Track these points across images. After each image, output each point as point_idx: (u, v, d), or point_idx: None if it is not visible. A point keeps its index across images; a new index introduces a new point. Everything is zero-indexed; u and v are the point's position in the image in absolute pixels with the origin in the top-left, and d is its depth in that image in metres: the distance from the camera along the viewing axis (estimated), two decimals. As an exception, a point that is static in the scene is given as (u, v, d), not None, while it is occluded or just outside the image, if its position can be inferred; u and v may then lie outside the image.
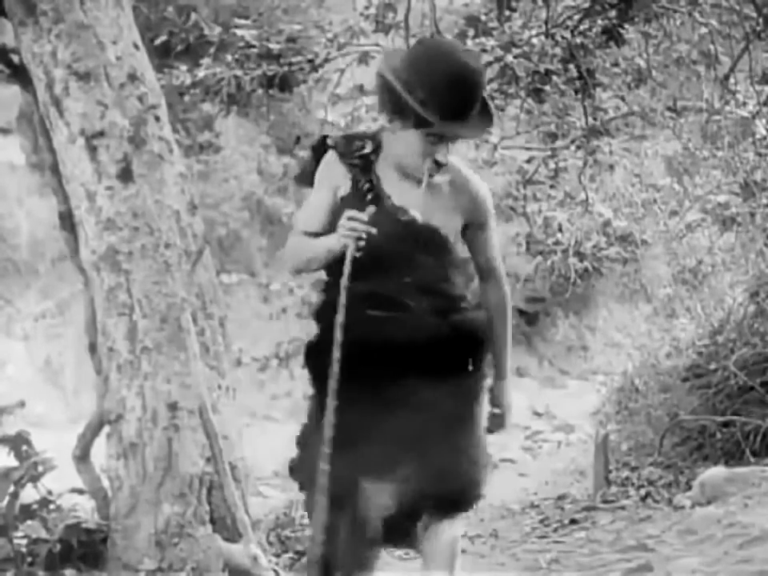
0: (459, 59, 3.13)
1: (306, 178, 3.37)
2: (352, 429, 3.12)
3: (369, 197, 3.19)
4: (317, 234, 3.27)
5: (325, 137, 3.32)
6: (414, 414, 3.12)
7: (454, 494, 3.14)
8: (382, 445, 3.10)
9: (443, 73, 3.09)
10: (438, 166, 3.17)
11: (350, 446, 3.11)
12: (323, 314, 3.24)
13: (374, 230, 3.08)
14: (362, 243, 3.09)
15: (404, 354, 3.13)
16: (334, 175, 3.26)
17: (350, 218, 3.10)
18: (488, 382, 3.35)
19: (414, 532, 3.16)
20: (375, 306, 3.16)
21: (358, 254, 3.10)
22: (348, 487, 3.09)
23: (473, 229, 3.29)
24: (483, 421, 3.31)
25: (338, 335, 3.08)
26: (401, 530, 3.15)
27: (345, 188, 3.25)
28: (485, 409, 3.33)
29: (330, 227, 3.22)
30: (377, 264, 3.15)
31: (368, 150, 3.23)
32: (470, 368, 3.25)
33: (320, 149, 3.31)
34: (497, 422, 3.39)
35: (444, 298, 3.21)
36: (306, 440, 3.28)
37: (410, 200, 3.19)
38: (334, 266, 3.20)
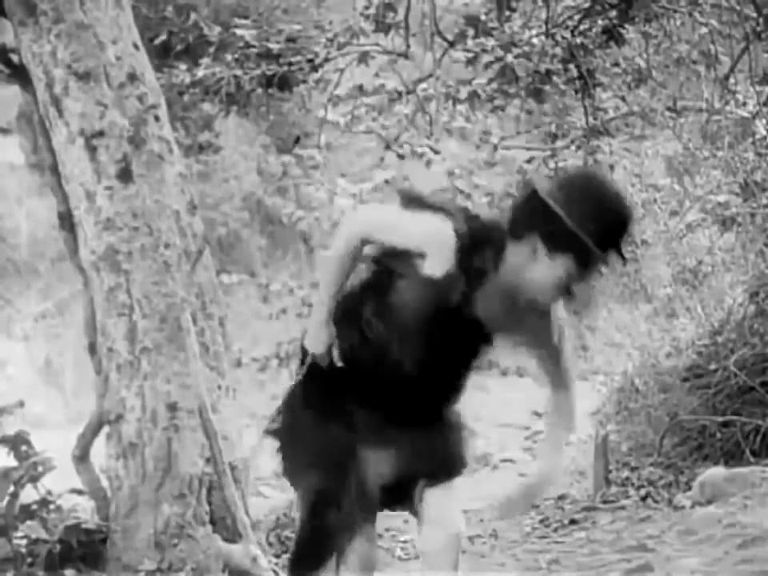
0: (621, 194, 3.06)
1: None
2: (346, 394, 3.18)
3: (453, 302, 3.05)
4: (378, 262, 3.16)
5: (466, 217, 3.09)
6: (407, 380, 3.17)
7: (448, 459, 3.23)
8: (378, 411, 3.15)
9: (621, 216, 3.02)
10: (569, 299, 3.08)
11: (348, 414, 3.17)
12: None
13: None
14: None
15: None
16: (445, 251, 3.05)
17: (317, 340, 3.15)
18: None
19: (411, 496, 3.21)
20: (381, 364, 3.15)
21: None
22: (344, 452, 3.14)
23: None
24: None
25: None
26: (399, 494, 3.21)
27: (439, 268, 3.04)
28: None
29: (391, 272, 3.14)
30: (406, 346, 3.12)
31: (487, 264, 3.05)
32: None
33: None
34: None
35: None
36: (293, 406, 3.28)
37: (498, 323, 3.14)
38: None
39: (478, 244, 3.04)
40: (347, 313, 3.15)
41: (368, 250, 3.12)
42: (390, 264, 3.10)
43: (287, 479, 3.30)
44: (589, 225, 2.95)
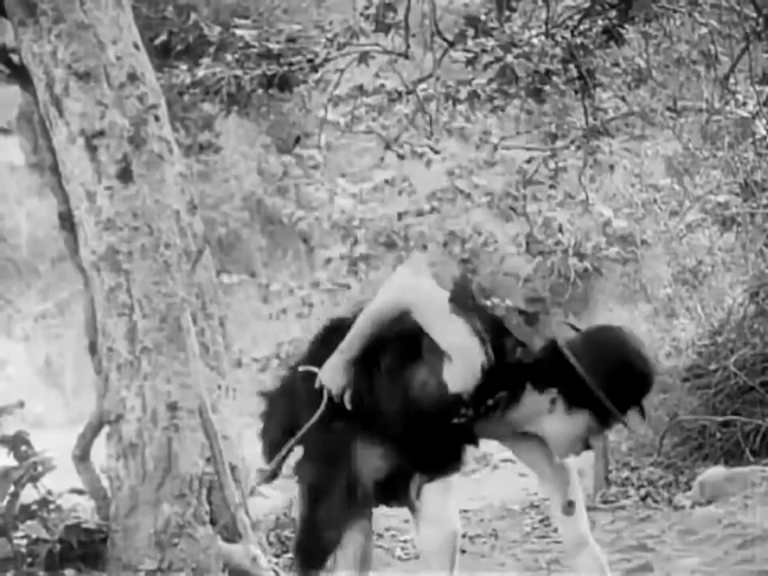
0: (643, 353, 3.08)
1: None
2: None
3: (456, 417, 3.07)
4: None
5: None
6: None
7: (442, 457, 3.17)
8: (374, 405, 3.11)
9: (636, 369, 3.04)
10: (587, 449, 3.09)
11: (339, 406, 3.15)
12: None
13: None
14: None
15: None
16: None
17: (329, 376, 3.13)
18: None
19: (407, 491, 3.19)
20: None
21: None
22: (339, 445, 3.12)
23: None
24: None
25: None
26: (393, 489, 3.18)
27: (455, 385, 3.01)
28: None
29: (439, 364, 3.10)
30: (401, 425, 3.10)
31: (501, 404, 3.04)
32: None
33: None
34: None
35: None
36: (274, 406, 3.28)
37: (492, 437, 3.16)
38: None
39: (497, 383, 3.00)
40: (366, 353, 3.12)
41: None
42: (422, 339, 3.05)
43: (292, 473, 3.30)
44: (609, 384, 2.95)
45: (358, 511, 3.15)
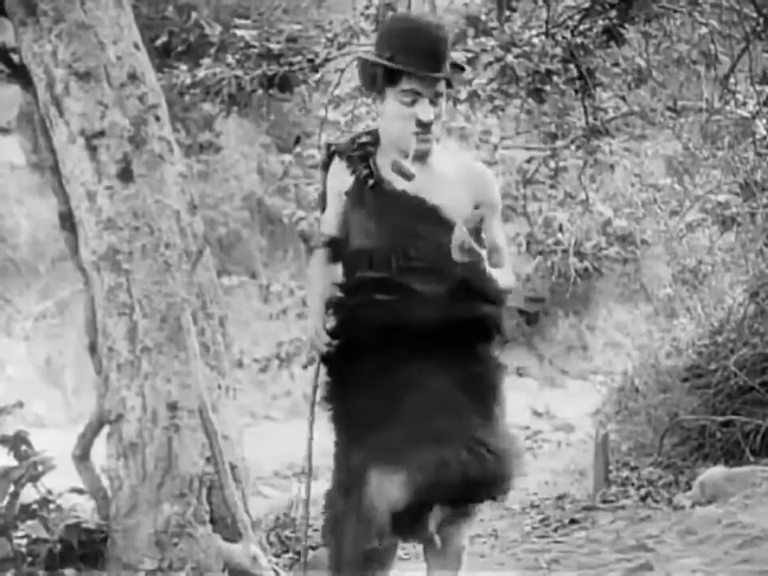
0: (421, 18, 3.31)
1: (323, 197, 3.39)
2: (362, 415, 3.13)
3: (368, 184, 3.21)
4: (335, 240, 3.33)
5: (329, 144, 3.34)
6: (422, 401, 3.08)
7: (466, 485, 3.04)
8: (392, 432, 3.05)
9: (406, 28, 3.20)
10: (423, 126, 3.17)
11: (359, 433, 3.12)
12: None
13: (331, 348, 3.20)
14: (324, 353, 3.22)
15: (408, 337, 3.11)
16: (339, 176, 3.28)
17: (316, 335, 3.21)
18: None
19: (424, 524, 3.09)
20: (382, 290, 3.17)
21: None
22: (356, 476, 3.04)
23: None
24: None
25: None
26: (410, 522, 3.06)
27: (349, 183, 3.26)
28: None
29: (344, 229, 3.26)
30: (383, 250, 3.18)
31: (364, 140, 3.25)
32: (481, 354, 3.21)
33: (327, 160, 3.33)
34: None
35: (456, 282, 3.17)
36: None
37: (409, 182, 3.19)
38: (344, 286, 3.28)
39: (353, 137, 3.34)
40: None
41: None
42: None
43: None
44: (385, 51, 3.17)
45: (373, 544, 3.05)
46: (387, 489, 2.99)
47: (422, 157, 3.20)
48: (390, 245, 3.18)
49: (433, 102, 3.19)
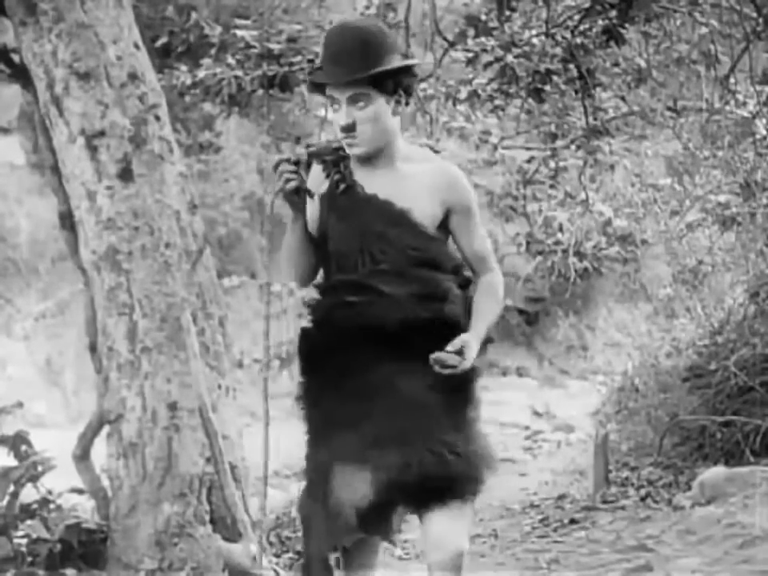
0: (348, 23, 3.28)
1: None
2: (332, 415, 3.17)
3: (340, 187, 3.23)
4: (315, 242, 3.33)
5: (307, 145, 3.35)
6: (392, 402, 3.11)
7: (426, 486, 3.05)
8: (359, 432, 3.09)
9: (328, 35, 3.25)
10: (344, 131, 3.19)
11: (327, 433, 3.15)
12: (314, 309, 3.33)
13: (295, 177, 3.22)
14: (293, 183, 3.21)
15: (377, 338, 3.13)
16: (316, 180, 3.29)
17: (276, 164, 3.24)
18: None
19: (390, 522, 3.13)
20: (351, 292, 3.19)
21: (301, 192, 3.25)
22: (323, 474, 3.09)
23: (455, 216, 3.27)
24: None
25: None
26: (377, 519, 3.10)
27: (325, 187, 3.28)
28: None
29: (321, 231, 3.28)
30: (353, 253, 3.21)
31: (338, 144, 3.25)
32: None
33: (307, 162, 3.33)
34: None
35: (423, 284, 3.18)
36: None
37: (379, 186, 3.23)
38: (326, 265, 3.30)
39: (330, 141, 3.31)
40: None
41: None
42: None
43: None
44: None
45: (342, 540, 3.10)
46: (352, 486, 3.04)
47: (366, 160, 3.24)
48: (357, 247, 3.21)
49: (358, 106, 3.18)
